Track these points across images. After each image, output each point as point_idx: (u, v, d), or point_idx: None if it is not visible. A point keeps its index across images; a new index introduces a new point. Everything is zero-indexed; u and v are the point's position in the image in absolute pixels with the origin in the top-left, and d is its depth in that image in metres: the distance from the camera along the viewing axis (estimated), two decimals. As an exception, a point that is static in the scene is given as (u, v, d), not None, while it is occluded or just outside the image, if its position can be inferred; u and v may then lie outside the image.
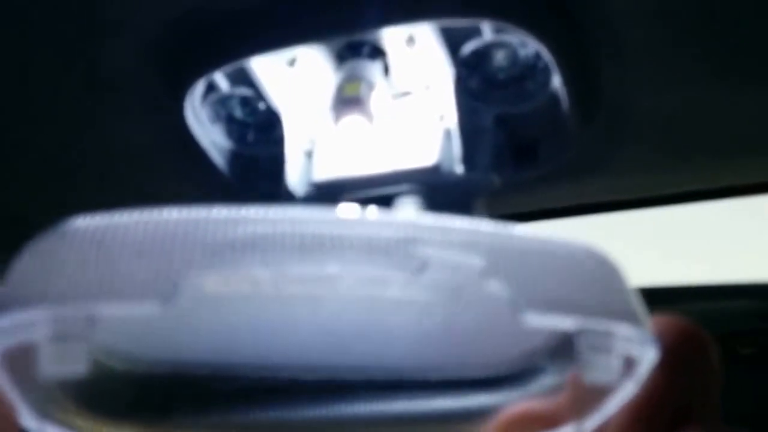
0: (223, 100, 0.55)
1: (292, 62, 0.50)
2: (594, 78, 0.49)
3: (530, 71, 0.49)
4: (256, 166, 0.58)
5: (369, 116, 0.47)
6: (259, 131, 0.57)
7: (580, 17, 0.44)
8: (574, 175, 0.58)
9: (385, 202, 0.51)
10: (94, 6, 0.46)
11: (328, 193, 0.53)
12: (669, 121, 0.52)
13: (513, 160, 0.54)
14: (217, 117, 0.55)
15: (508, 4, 0.43)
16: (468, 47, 0.47)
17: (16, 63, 0.50)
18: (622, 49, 0.47)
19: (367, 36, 0.48)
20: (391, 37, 0.48)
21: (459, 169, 0.49)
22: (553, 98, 0.49)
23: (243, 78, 0.51)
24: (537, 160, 0.55)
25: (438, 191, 0.51)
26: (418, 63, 0.49)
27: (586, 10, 0.44)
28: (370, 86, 0.48)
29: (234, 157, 0.57)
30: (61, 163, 0.59)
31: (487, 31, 0.46)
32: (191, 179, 0.59)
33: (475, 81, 0.50)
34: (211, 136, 0.56)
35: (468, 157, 0.49)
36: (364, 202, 0.52)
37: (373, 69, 0.49)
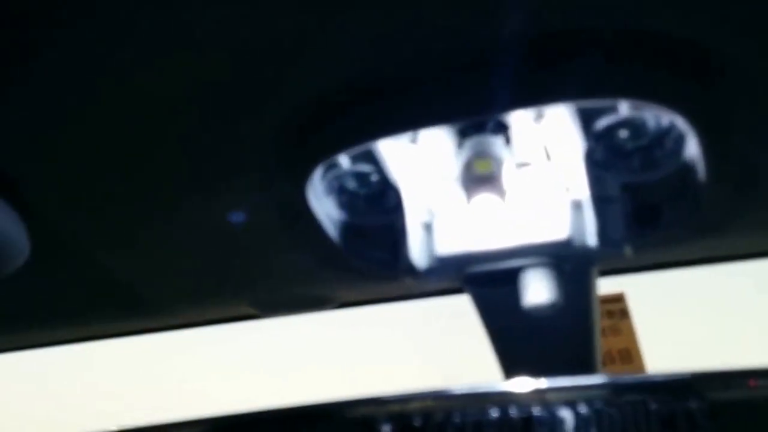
0: (339, 175, 0.55)
1: (414, 139, 0.50)
2: (730, 140, 0.48)
3: (659, 140, 0.49)
4: (367, 235, 0.58)
5: (501, 193, 0.47)
6: (370, 201, 0.57)
7: (723, 87, 0.43)
8: (699, 233, 0.57)
9: (510, 275, 0.51)
10: (226, 91, 0.46)
11: (451, 267, 0.52)
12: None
13: (635, 223, 0.53)
14: (330, 189, 0.55)
15: (651, 84, 0.42)
16: (602, 122, 0.46)
17: (154, 139, 0.50)
18: (757, 109, 0.46)
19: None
20: (519, 113, 0.47)
21: (592, 241, 0.49)
22: (685, 165, 0.48)
23: (364, 156, 0.51)
24: (660, 222, 0.53)
25: (568, 262, 0.50)
26: (544, 136, 0.48)
27: (729, 79, 0.43)
28: (499, 162, 0.47)
29: (345, 228, 0.57)
30: (180, 233, 0.60)
31: (624, 107, 0.45)
32: (305, 249, 0.59)
33: (605, 152, 0.49)
34: (325, 209, 0.56)
35: (602, 229, 0.49)
36: (488, 275, 0.52)
37: (497, 143, 0.48)
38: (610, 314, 0.83)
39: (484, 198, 0.47)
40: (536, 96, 0.44)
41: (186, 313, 0.81)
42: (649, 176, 0.50)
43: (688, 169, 0.48)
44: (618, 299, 0.81)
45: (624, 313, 0.82)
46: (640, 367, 0.87)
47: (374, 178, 0.55)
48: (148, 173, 0.53)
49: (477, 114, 0.45)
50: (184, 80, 0.45)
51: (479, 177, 0.47)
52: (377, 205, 0.57)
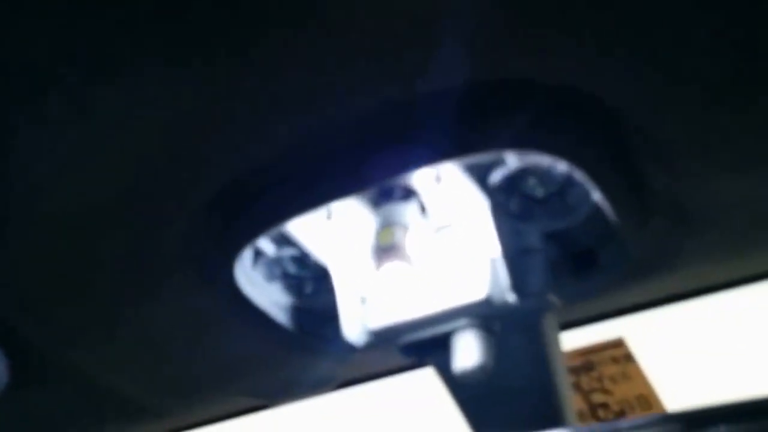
0: (275, 261, 0.55)
1: (329, 215, 0.51)
2: (638, 181, 0.46)
3: (568, 185, 0.47)
4: (318, 316, 0.58)
5: (407, 260, 0.47)
6: (315, 282, 0.57)
7: (612, 130, 0.42)
8: (643, 272, 0.55)
9: (443, 340, 0.50)
10: (138, 199, 0.48)
11: (385, 339, 0.52)
12: (731, 207, 0.49)
13: (572, 272, 0.52)
14: (272, 276, 0.56)
15: (525, 134, 0.41)
16: (495, 176, 0.46)
17: (84, 243, 0.52)
18: (662, 147, 0.45)
19: (396, 180, 0.48)
20: (420, 176, 0.47)
21: (510, 297, 0.47)
22: (599, 207, 0.47)
23: (286, 239, 0.52)
24: (598, 268, 0.52)
25: (495, 322, 0.49)
26: (450, 197, 0.48)
27: (616, 123, 0.42)
28: (405, 229, 0.47)
29: (295, 311, 0.58)
30: (122, 333, 0.61)
31: (512, 159, 0.45)
32: (255, 338, 0.60)
33: (515, 204, 0.48)
34: (269, 295, 0.56)
35: (518, 283, 0.47)
36: (422, 344, 0.51)
37: (407, 210, 0.48)
38: (615, 360, 0.79)
39: (391, 266, 0.47)
40: (423, 158, 0.44)
41: (191, 412, 0.81)
42: (567, 222, 0.49)
43: (600, 211, 0.47)
44: (618, 345, 0.78)
45: (629, 358, 0.78)
46: (661, 411, 0.82)
47: (312, 260, 0.56)
48: (92, 281, 0.55)
49: (359, 186, 0.45)
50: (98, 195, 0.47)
51: (383, 247, 0.46)
52: (323, 285, 0.57)
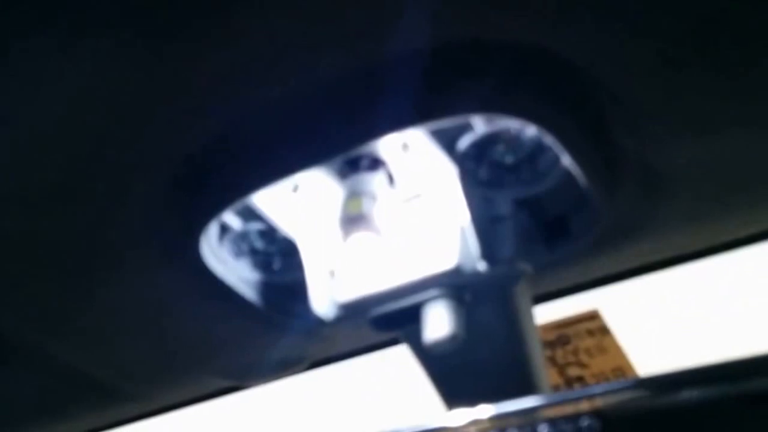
0: (241, 236, 0.54)
1: (295, 188, 0.49)
2: (608, 144, 0.46)
3: (538, 150, 0.47)
4: (287, 292, 0.57)
5: (375, 230, 0.46)
6: (283, 257, 0.56)
7: (579, 91, 0.41)
8: (616, 241, 0.54)
9: (413, 311, 0.49)
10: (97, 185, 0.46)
11: (355, 312, 0.51)
12: (702, 170, 0.48)
13: (544, 240, 0.51)
14: (239, 252, 0.55)
15: (490, 97, 0.40)
16: (463, 142, 0.45)
17: (39, 221, 0.50)
18: (631, 108, 0.44)
19: (362, 150, 0.47)
20: (387, 145, 0.46)
21: (481, 266, 0.47)
22: (570, 174, 0.46)
23: (252, 213, 0.51)
24: (570, 235, 0.51)
25: (466, 291, 0.48)
26: (418, 166, 0.47)
27: (584, 84, 0.41)
28: (372, 199, 0.46)
29: (264, 287, 0.57)
30: (85, 313, 0.59)
31: (479, 124, 0.44)
32: (223, 316, 0.58)
33: (484, 171, 0.47)
34: (237, 272, 0.55)
35: (488, 251, 0.47)
36: (392, 315, 0.50)
37: (374, 180, 0.47)
38: (590, 333, 0.79)
39: (359, 237, 0.46)
40: (390, 124, 0.43)
41: (162, 394, 0.80)
42: (538, 189, 0.48)
43: (573, 177, 0.46)
44: (594, 317, 0.78)
45: (604, 330, 0.78)
46: (637, 384, 0.82)
47: (280, 235, 0.54)
48: (50, 260, 0.53)
49: (321, 158, 0.44)
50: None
51: (350, 217, 0.45)
52: (292, 261, 0.56)
